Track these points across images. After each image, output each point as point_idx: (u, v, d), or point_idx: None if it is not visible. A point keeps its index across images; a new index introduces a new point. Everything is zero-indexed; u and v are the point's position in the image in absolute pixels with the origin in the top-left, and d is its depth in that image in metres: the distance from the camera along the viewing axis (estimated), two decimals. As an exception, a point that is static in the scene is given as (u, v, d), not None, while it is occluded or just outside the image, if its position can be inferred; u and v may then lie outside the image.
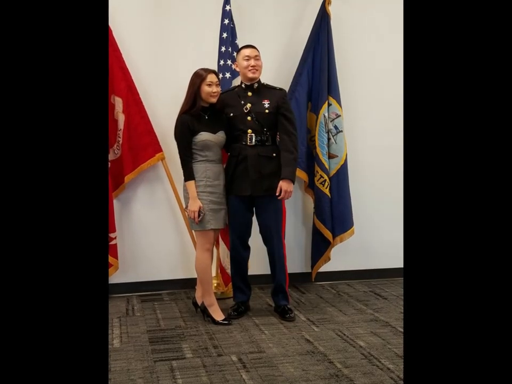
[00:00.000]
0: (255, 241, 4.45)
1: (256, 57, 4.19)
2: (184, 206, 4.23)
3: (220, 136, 4.14)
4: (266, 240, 4.34)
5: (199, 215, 4.03)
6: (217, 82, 4.11)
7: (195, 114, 4.06)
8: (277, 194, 4.13)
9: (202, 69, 4.11)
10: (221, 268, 4.82)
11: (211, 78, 4.06)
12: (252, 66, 4.16)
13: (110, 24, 4.58)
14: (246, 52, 4.20)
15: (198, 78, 4.07)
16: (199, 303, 4.29)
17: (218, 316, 4.20)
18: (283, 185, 4.12)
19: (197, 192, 4.05)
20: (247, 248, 4.42)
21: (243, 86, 4.29)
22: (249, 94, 4.24)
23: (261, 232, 4.35)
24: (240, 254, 4.37)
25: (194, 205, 4.04)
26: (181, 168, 4.15)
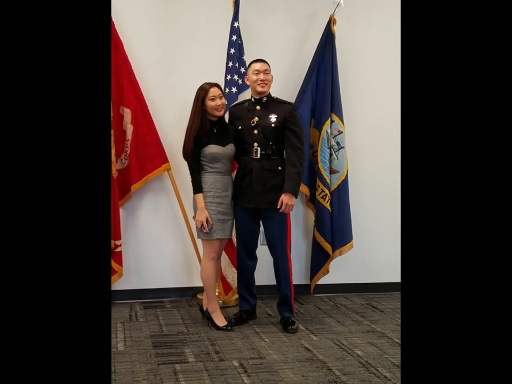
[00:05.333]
0: (260, 252, 4.56)
1: (266, 72, 4.29)
2: (193, 216, 4.33)
3: (229, 148, 4.25)
4: (271, 252, 4.41)
5: (207, 225, 4.15)
6: (221, 95, 4.22)
7: (205, 131, 4.18)
8: (278, 207, 4.21)
9: (205, 83, 4.23)
10: (221, 276, 4.90)
11: (213, 92, 4.17)
12: (261, 80, 4.26)
13: (121, 37, 4.73)
14: (256, 66, 4.30)
15: (202, 91, 4.18)
16: (205, 309, 4.38)
17: (221, 321, 4.29)
18: (284, 198, 4.19)
19: (205, 202, 4.16)
20: (254, 259, 4.49)
21: (252, 99, 4.39)
22: (258, 107, 4.33)
23: (267, 243, 4.44)
24: (245, 264, 4.44)
25: (202, 215, 4.15)
26: (187, 179, 4.25)
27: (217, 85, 4.25)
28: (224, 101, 4.28)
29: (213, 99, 4.16)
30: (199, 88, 4.23)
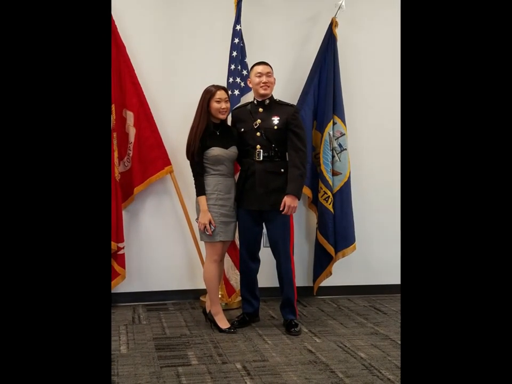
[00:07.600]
0: (262, 254, 4.56)
1: (268, 74, 4.29)
2: (196, 218, 4.33)
3: (232, 151, 4.25)
4: (274, 254, 4.41)
5: (210, 227, 4.15)
6: (226, 99, 4.23)
7: (208, 133, 4.18)
8: (281, 209, 4.21)
9: (212, 86, 4.24)
10: (224, 279, 4.91)
11: (220, 94, 4.18)
12: (263, 83, 4.26)
13: (123, 40, 4.74)
14: (258, 68, 4.30)
15: (208, 94, 4.19)
16: (208, 312, 4.38)
17: (224, 324, 4.29)
18: (287, 200, 4.19)
19: (208, 205, 4.16)
20: (256, 261, 4.48)
21: (255, 102, 4.39)
22: (260, 110, 4.33)
23: (270, 245, 4.43)
24: (248, 266, 4.43)
25: (205, 217, 4.15)
26: (189, 182, 4.25)
27: (224, 88, 4.27)
28: (229, 105, 4.29)
29: (218, 101, 4.17)
30: (205, 89, 4.23)
